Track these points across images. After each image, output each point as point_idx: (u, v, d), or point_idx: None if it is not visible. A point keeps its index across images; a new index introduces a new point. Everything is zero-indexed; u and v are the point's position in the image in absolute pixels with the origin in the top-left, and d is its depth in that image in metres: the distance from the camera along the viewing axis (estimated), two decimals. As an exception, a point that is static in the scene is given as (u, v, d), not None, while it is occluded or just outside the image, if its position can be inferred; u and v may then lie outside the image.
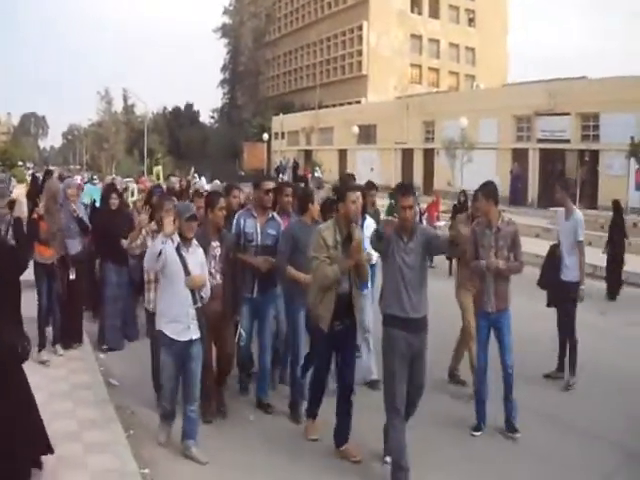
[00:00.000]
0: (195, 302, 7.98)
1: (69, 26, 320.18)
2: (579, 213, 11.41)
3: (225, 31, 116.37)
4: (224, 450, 8.48)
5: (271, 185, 9.91)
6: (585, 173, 42.99)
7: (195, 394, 8.20)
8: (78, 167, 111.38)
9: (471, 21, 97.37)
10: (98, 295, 13.32)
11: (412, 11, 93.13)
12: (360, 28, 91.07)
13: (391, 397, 7.60)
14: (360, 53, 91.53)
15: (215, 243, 9.12)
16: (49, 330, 11.88)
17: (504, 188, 39.62)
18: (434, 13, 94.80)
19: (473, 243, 9.25)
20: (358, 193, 8.36)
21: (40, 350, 11.38)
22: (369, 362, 10.90)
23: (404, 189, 7.99)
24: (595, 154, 42.67)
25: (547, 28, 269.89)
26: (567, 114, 44.25)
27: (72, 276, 11.84)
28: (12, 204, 9.93)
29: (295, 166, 64.95)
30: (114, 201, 13.07)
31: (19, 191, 31.38)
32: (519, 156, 47.82)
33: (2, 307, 6.77)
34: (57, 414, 8.76)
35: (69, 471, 7.37)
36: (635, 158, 33.82)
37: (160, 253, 7.70)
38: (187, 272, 7.89)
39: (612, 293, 18.82)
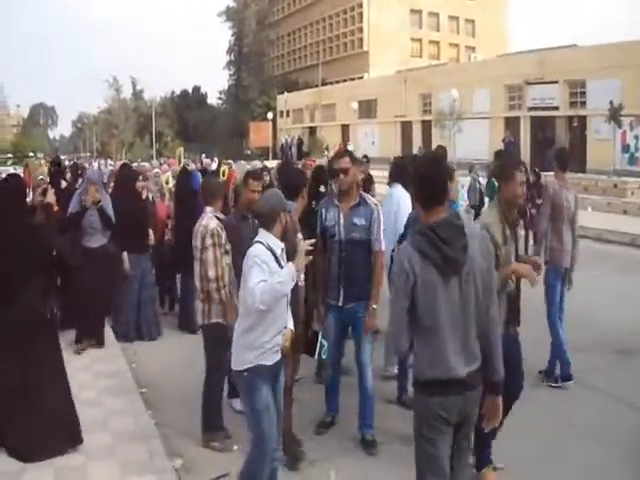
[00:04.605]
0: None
1: (77, 15, 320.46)
2: None
3: (229, 14, 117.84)
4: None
5: (346, 163, 7.75)
6: (574, 138, 44.48)
7: (279, 434, 6.32)
8: (88, 154, 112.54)
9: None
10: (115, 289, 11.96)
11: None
12: (360, 5, 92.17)
13: None
14: (361, 30, 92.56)
15: (300, 235, 7.16)
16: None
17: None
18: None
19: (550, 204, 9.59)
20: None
21: None
22: None
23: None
24: (583, 120, 44.13)
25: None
26: (555, 82, 45.68)
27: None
28: (45, 191, 9.79)
29: (300, 143, 66.04)
30: (140, 184, 12.46)
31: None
32: (511, 124, 49.10)
33: (29, 278, 7.24)
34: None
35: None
36: (614, 121, 34.99)
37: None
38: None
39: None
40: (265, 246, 5.78)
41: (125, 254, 11.63)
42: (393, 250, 8.27)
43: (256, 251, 5.73)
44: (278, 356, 6.06)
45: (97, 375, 9.79)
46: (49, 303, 7.44)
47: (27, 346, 7.22)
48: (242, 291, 5.89)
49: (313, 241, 6.02)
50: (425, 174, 4.96)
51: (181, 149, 27.84)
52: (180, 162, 23.09)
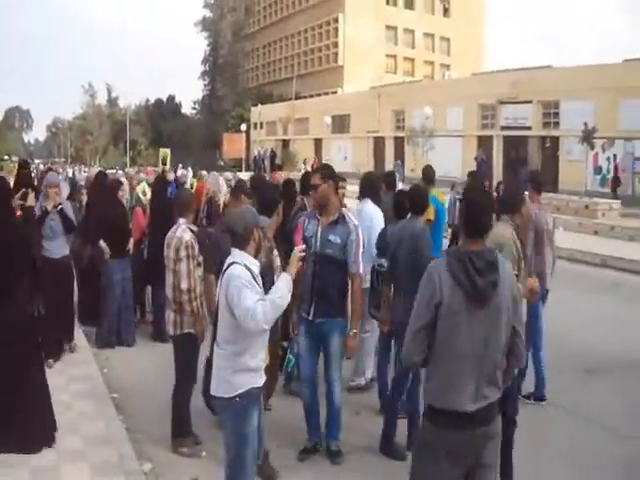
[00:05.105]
0: None
1: (52, 21, 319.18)
2: None
3: (205, 25, 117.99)
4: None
5: (316, 179, 7.74)
6: (546, 158, 44.97)
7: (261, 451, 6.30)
8: (63, 160, 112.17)
9: (446, 11, 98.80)
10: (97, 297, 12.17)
11: (387, 3, 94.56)
12: (336, 20, 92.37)
13: None
14: (336, 45, 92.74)
15: (276, 251, 7.45)
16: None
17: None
18: (409, 4, 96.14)
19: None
20: None
21: None
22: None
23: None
24: (555, 140, 44.63)
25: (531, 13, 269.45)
26: (529, 102, 46.11)
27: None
28: (25, 195, 10.23)
29: (273, 156, 65.97)
30: (122, 193, 12.49)
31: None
32: (484, 143, 49.53)
33: (19, 276, 7.46)
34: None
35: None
36: (587, 143, 35.25)
37: None
38: None
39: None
40: (242, 266, 5.52)
41: (102, 242, 11.70)
42: (380, 265, 8.31)
43: (237, 272, 5.46)
44: (264, 375, 5.85)
45: (70, 379, 9.78)
46: (35, 302, 7.61)
47: (23, 345, 7.37)
48: (227, 314, 5.52)
49: (304, 247, 5.93)
50: (478, 203, 4.82)
51: (167, 151, 26.40)
52: (165, 165, 22.09)
